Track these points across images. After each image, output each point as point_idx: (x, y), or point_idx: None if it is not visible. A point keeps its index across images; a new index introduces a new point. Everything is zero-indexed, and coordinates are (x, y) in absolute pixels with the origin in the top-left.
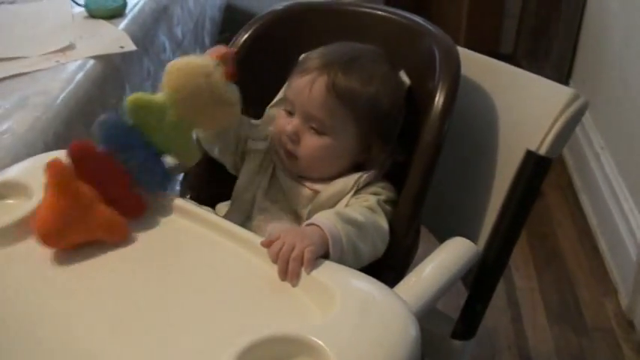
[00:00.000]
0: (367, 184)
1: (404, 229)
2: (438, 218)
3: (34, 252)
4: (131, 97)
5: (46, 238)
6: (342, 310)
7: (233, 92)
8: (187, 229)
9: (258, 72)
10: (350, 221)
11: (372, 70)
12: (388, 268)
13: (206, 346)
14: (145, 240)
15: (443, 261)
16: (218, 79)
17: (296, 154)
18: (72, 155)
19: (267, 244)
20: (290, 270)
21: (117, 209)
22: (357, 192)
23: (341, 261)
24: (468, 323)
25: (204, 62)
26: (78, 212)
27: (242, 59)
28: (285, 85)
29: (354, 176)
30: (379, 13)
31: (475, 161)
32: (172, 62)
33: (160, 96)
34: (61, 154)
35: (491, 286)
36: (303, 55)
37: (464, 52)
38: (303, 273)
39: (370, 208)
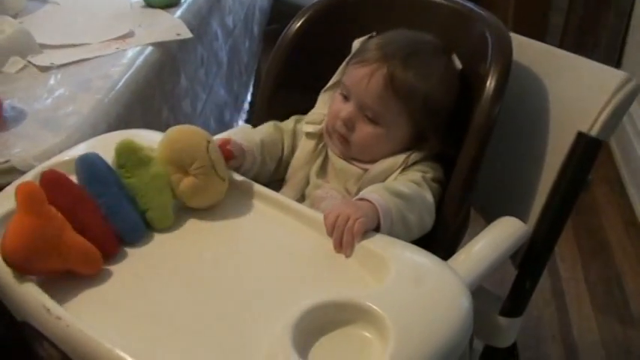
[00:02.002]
0: (415, 163)
1: (454, 210)
2: (487, 200)
3: None
4: (123, 140)
5: (15, 260)
6: (397, 279)
7: (226, 170)
8: (248, 205)
9: (311, 58)
10: (398, 194)
11: (430, 64)
12: (437, 247)
13: (269, 309)
14: (208, 216)
15: (493, 238)
16: (217, 148)
17: (349, 139)
18: (43, 181)
19: (325, 217)
20: (344, 241)
21: (94, 242)
22: (404, 169)
23: (391, 233)
24: (516, 301)
25: (206, 132)
26: (49, 234)
27: (295, 45)
28: (338, 70)
29: (403, 155)
30: None
31: (525, 144)
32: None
33: (153, 150)
34: (122, 134)
35: (541, 265)
36: (357, 41)
37: (515, 37)
38: (359, 245)
39: (415, 182)
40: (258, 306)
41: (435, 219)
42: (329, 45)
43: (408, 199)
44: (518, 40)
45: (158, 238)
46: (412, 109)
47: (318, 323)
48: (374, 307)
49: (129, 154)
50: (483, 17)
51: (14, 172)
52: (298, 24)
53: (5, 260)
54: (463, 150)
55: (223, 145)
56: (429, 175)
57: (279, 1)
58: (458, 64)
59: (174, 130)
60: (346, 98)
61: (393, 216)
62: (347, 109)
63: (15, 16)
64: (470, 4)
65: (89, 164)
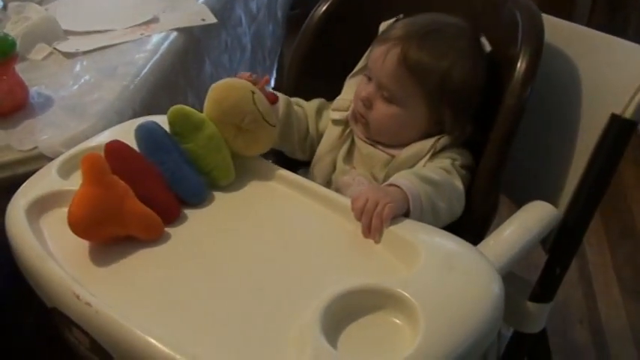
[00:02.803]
0: (443, 149)
1: (483, 195)
2: (517, 184)
3: None
4: (173, 107)
5: (78, 228)
6: (427, 265)
7: (273, 114)
8: (276, 191)
9: (337, 43)
10: (427, 180)
11: (448, 44)
12: (466, 232)
13: (298, 295)
14: (237, 200)
15: (523, 223)
16: (262, 96)
17: (367, 118)
18: (106, 152)
19: (353, 202)
20: (373, 225)
21: (156, 209)
22: (433, 156)
23: (421, 219)
24: (546, 286)
25: (247, 82)
26: (112, 203)
27: (320, 31)
28: (364, 55)
29: (431, 140)
30: None
31: (557, 126)
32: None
33: (201, 113)
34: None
35: (572, 250)
36: (384, 24)
37: (546, 18)
38: (388, 230)
39: (445, 169)
40: (287, 291)
41: (465, 204)
42: (355, 30)
43: (438, 186)
44: (549, 21)
45: (192, 218)
46: (428, 89)
47: (348, 309)
48: (404, 293)
49: (182, 120)
50: None
51: (42, 158)
52: (324, 8)
53: (71, 228)
54: (493, 133)
55: (265, 90)
56: (458, 162)
57: None
58: (487, 46)
59: (218, 88)
60: (369, 79)
61: (422, 202)
62: (367, 88)
63: (40, 3)
64: None
65: (149, 133)
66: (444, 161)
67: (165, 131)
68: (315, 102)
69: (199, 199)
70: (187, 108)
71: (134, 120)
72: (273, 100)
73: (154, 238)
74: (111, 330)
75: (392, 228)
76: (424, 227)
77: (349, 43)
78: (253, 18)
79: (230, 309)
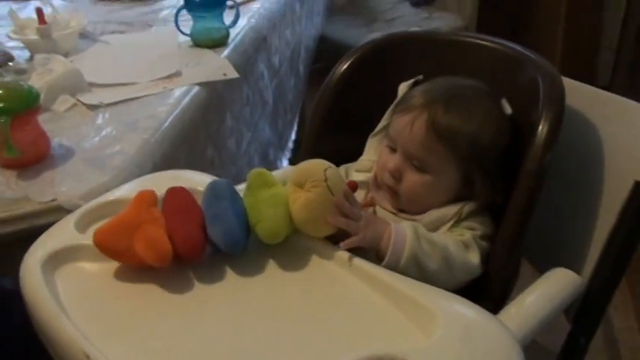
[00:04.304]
0: (467, 216)
1: (503, 260)
2: (539, 249)
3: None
4: (258, 170)
5: (97, 235)
6: (445, 335)
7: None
8: (299, 250)
9: (358, 100)
10: (425, 238)
11: (472, 106)
12: (486, 298)
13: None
14: (268, 257)
15: (545, 292)
16: (337, 171)
17: (397, 190)
18: (166, 193)
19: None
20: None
21: (176, 242)
22: (456, 222)
23: (400, 269)
24: (570, 357)
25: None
26: (134, 220)
27: (343, 87)
28: (386, 114)
29: (456, 206)
30: (480, 42)
31: (579, 192)
32: None
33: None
34: (168, 175)
35: (596, 319)
36: (404, 85)
37: (567, 82)
38: (407, 295)
39: (465, 244)
40: (298, 354)
41: (484, 270)
42: (376, 87)
43: (438, 248)
44: (569, 84)
45: (218, 270)
46: (458, 152)
47: None
48: None
49: (256, 176)
50: (534, 61)
51: (61, 210)
52: (345, 65)
53: (94, 237)
54: (513, 199)
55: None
56: (479, 233)
57: (324, 40)
58: (507, 109)
59: (302, 165)
60: (393, 150)
61: (404, 252)
62: (394, 160)
63: (66, 55)
64: (520, 48)
65: (212, 184)
66: (465, 234)
67: (230, 185)
68: (342, 170)
69: (229, 246)
70: (269, 172)
71: (154, 174)
72: (353, 188)
73: (158, 262)
74: None
75: (412, 293)
76: (443, 294)
77: (370, 100)
78: (275, 72)
79: None
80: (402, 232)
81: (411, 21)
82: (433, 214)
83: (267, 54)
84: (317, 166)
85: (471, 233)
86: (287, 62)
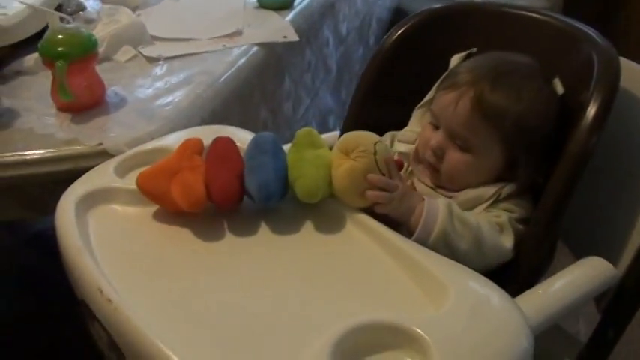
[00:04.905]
0: (507, 197)
1: (534, 244)
2: (578, 235)
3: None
4: (308, 129)
5: (139, 178)
6: (454, 308)
7: (387, 162)
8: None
9: (408, 69)
10: (458, 217)
11: (521, 85)
12: (512, 280)
13: (313, 322)
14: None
15: (575, 278)
16: (387, 145)
17: (438, 168)
18: (212, 142)
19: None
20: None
21: (212, 189)
22: (494, 203)
23: (429, 245)
24: (596, 350)
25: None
26: (172, 166)
27: (393, 54)
28: (434, 87)
29: (495, 186)
30: (538, 16)
31: (624, 179)
32: None
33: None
34: (212, 129)
35: (628, 313)
36: (456, 57)
37: (629, 65)
38: (422, 265)
39: (500, 226)
40: (304, 316)
41: (516, 251)
42: (427, 58)
43: (469, 228)
44: (631, 67)
45: (242, 225)
46: (503, 133)
47: (362, 343)
48: (423, 334)
49: (304, 135)
50: (592, 38)
51: (105, 155)
52: (399, 32)
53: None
54: (552, 181)
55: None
56: (516, 216)
57: (399, 12)
58: (559, 89)
59: (350, 134)
60: (436, 127)
61: (434, 232)
62: (436, 137)
63: (135, 8)
64: (579, 24)
65: (257, 136)
66: (502, 215)
67: (275, 140)
68: (388, 138)
69: (261, 198)
70: (315, 131)
71: (201, 127)
72: (400, 166)
73: (190, 208)
74: (126, 330)
75: (427, 263)
76: (460, 268)
77: (420, 70)
78: (342, 40)
79: (244, 328)
80: (435, 208)
81: None
82: (471, 193)
83: (334, 21)
84: (368, 137)
85: (508, 215)
86: (355, 31)
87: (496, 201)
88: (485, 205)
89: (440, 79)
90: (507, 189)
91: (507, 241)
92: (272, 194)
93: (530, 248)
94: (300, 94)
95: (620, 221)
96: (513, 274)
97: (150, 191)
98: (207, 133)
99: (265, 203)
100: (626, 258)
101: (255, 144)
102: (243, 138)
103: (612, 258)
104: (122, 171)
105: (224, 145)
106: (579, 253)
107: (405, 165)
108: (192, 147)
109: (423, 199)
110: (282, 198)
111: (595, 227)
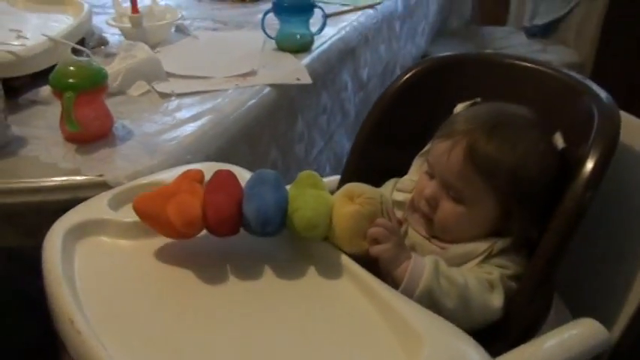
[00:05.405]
0: (499, 253)
1: (525, 301)
2: (573, 289)
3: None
4: (311, 171)
5: (135, 200)
6: None
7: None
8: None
9: (410, 115)
10: (445, 275)
11: (517, 138)
12: (502, 338)
13: None
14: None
15: (565, 340)
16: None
17: (432, 218)
18: (213, 175)
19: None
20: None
21: (208, 212)
22: (486, 258)
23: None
24: None
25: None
26: (169, 190)
27: (397, 100)
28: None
29: (488, 241)
30: (542, 68)
31: (621, 239)
32: None
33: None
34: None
35: None
36: (460, 105)
37: (629, 120)
38: (399, 315)
39: (491, 283)
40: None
41: (507, 308)
42: (432, 105)
43: (453, 286)
44: (631, 123)
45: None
46: (497, 185)
47: None
48: None
49: (307, 176)
50: (592, 91)
51: (105, 187)
52: (404, 78)
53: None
54: (545, 238)
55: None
56: (509, 272)
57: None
58: (560, 144)
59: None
60: (431, 176)
61: (419, 288)
62: (430, 187)
63: (156, 45)
64: (578, 76)
65: (259, 171)
66: (494, 272)
67: (277, 175)
68: (391, 185)
69: (259, 224)
70: (319, 176)
71: (202, 163)
72: (400, 223)
73: (184, 227)
74: None
75: (407, 314)
76: (442, 323)
77: (422, 118)
78: (362, 86)
79: None
80: (422, 264)
81: (522, 52)
82: (462, 248)
83: (355, 66)
84: (374, 189)
85: (500, 272)
86: (377, 77)
87: (489, 256)
88: (477, 260)
89: (434, 138)
90: (500, 244)
91: (497, 300)
92: (269, 220)
93: (521, 305)
94: (314, 136)
95: (617, 280)
96: (504, 331)
97: (145, 211)
98: (210, 169)
99: (262, 229)
100: (621, 322)
101: (257, 176)
102: (245, 177)
103: (606, 318)
104: (116, 203)
105: (225, 175)
106: (575, 309)
107: (401, 213)
108: (192, 175)
109: (411, 255)
110: (280, 229)
111: (590, 284)
